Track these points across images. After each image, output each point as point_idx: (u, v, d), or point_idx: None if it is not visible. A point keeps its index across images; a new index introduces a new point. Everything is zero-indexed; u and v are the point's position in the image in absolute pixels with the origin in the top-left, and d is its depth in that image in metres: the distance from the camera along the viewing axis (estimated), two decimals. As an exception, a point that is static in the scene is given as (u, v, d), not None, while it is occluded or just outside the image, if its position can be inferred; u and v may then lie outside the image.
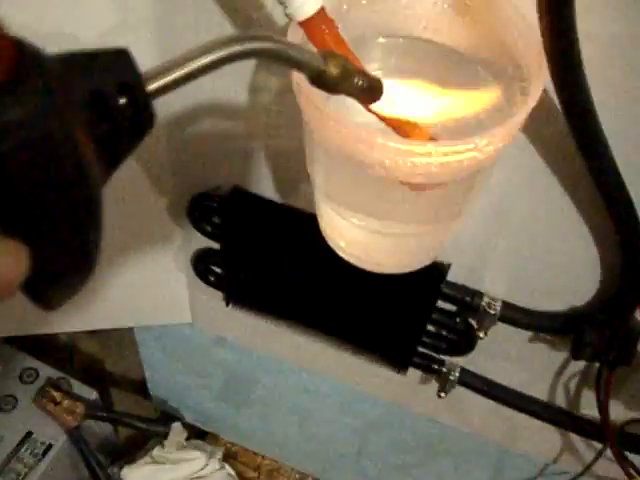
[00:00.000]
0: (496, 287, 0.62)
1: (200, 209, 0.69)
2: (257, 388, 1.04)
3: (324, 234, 0.51)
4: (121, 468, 1.08)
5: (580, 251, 0.54)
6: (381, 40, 0.46)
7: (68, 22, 0.52)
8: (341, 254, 0.51)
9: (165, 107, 0.52)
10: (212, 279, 0.78)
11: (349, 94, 0.32)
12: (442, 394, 0.72)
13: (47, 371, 1.11)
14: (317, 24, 0.38)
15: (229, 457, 1.22)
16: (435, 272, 0.61)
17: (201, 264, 0.78)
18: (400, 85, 0.38)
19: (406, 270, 0.51)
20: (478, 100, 0.42)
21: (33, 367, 1.11)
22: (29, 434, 1.04)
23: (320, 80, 0.30)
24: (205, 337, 0.98)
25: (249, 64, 0.54)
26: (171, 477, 1.07)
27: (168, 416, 1.21)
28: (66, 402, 1.03)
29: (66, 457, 1.06)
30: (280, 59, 0.28)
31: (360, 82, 0.32)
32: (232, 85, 0.56)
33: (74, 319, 0.93)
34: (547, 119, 0.45)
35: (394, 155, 0.35)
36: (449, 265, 0.61)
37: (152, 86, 0.24)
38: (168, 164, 0.67)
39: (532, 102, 0.36)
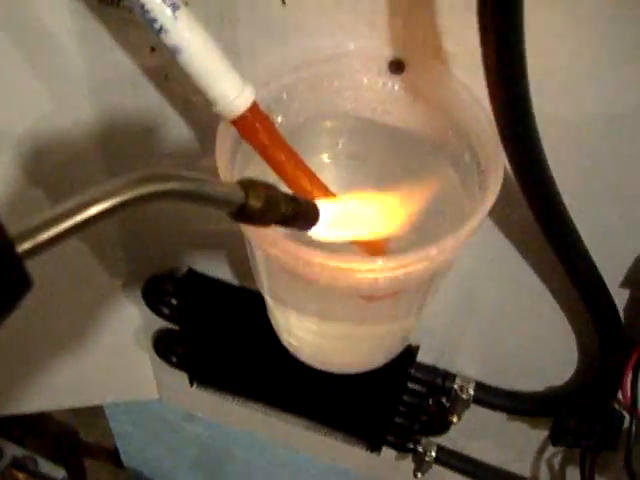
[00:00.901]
0: (469, 368, 0.58)
1: (155, 292, 0.65)
2: (231, 462, 1.00)
3: (275, 330, 0.48)
4: None
5: (554, 334, 0.51)
6: (328, 124, 0.43)
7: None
8: (293, 353, 0.47)
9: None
10: (174, 359, 0.74)
11: (279, 224, 0.29)
12: (418, 474, 0.68)
13: (12, 449, 1.06)
14: (250, 122, 0.35)
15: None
16: (403, 355, 0.57)
17: (162, 345, 0.74)
18: (346, 200, 0.35)
19: (363, 370, 0.47)
20: (434, 194, 0.38)
21: (-3, 446, 1.06)
22: (-7, 519, 0.99)
23: (242, 215, 0.26)
24: (175, 412, 0.94)
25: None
26: None
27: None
28: (31, 484, 0.98)
29: None
30: (192, 199, 0.24)
31: (289, 210, 0.28)
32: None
33: (41, 399, 0.88)
34: (510, 203, 0.42)
35: (336, 273, 0.32)
36: (417, 347, 0.58)
37: (25, 246, 0.20)
38: (120, 246, 0.64)
39: (489, 203, 0.33)
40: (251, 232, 0.33)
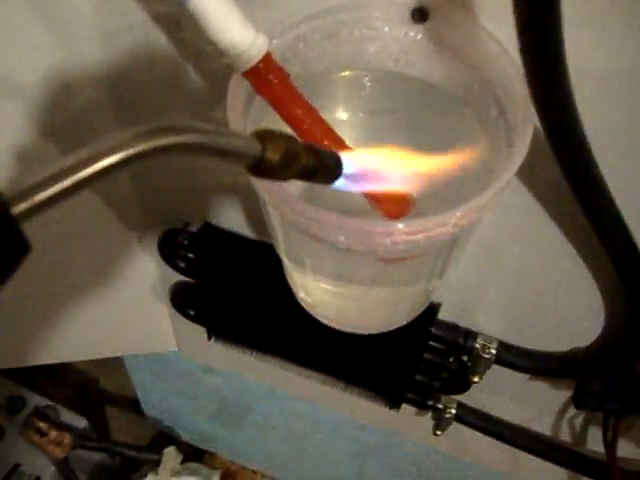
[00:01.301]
0: (492, 326, 0.57)
1: (171, 246, 0.64)
2: (250, 412, 1.00)
3: (292, 288, 0.47)
4: (114, 497, 1.04)
5: (580, 296, 0.49)
6: (347, 74, 0.41)
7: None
8: (312, 314, 0.46)
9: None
10: (192, 313, 0.73)
11: (300, 178, 0.27)
12: (438, 432, 0.67)
13: (34, 399, 1.07)
14: (263, 74, 0.33)
15: (228, 476, 1.18)
16: (425, 312, 0.55)
17: (179, 299, 0.73)
18: (371, 153, 0.32)
19: (382, 330, 0.46)
20: (462, 156, 0.36)
21: (20, 395, 1.07)
22: (17, 466, 1.01)
23: (259, 169, 0.24)
24: (193, 364, 0.94)
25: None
26: (166, 504, 1.04)
27: (164, 435, 1.18)
28: (53, 433, 0.99)
29: (55, 490, 1.02)
30: (206, 152, 0.22)
31: (310, 162, 0.26)
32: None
33: (61, 350, 0.89)
34: (539, 160, 0.40)
35: (353, 235, 0.30)
36: (439, 305, 0.56)
37: (21, 207, 0.19)
38: (134, 199, 0.63)
39: (515, 165, 0.31)
40: (264, 191, 0.32)
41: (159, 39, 0.46)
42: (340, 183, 0.29)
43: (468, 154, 0.34)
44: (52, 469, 1.01)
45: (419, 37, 0.38)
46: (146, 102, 0.52)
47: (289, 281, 0.46)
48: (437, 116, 0.40)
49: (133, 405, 1.21)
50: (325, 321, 0.46)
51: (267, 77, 0.33)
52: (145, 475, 1.06)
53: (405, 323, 0.47)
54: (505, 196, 0.44)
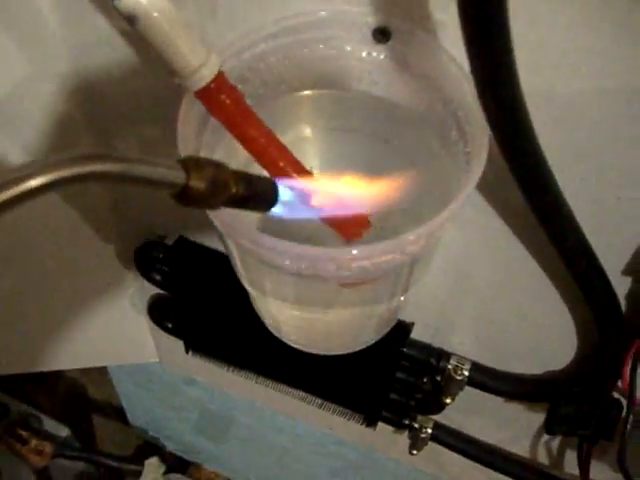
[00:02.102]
0: (464, 347, 0.56)
1: (147, 259, 0.63)
2: (233, 424, 0.99)
3: (258, 315, 0.46)
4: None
5: (552, 317, 0.49)
6: (308, 93, 0.40)
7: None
8: (279, 337, 0.45)
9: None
10: (169, 326, 0.73)
11: (229, 206, 0.26)
12: (414, 451, 0.66)
13: (18, 407, 1.06)
14: (215, 94, 0.32)
15: (211, 488, 1.17)
16: (397, 331, 0.55)
17: (156, 312, 0.73)
18: (314, 179, 0.32)
19: (351, 351, 0.45)
20: (409, 180, 0.36)
21: (3, 402, 1.06)
22: (-3, 474, 1.00)
23: (184, 197, 0.24)
24: (175, 375, 0.93)
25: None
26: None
27: (150, 445, 1.17)
28: (34, 441, 0.99)
29: (34, 499, 1.01)
30: (127, 180, 0.22)
31: (241, 191, 0.26)
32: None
33: (45, 359, 0.89)
34: (503, 182, 0.39)
35: (298, 261, 0.29)
36: (412, 324, 0.56)
37: None
38: (111, 212, 0.62)
39: (463, 194, 0.30)
40: (212, 216, 0.31)
41: (127, 54, 0.45)
42: (277, 210, 0.28)
43: (415, 178, 0.33)
44: (33, 478, 1.00)
45: (381, 57, 0.37)
46: (118, 116, 0.51)
47: (254, 306, 0.45)
48: (399, 135, 0.40)
49: (119, 415, 1.20)
50: (292, 344, 0.45)
51: (219, 97, 0.32)
52: (127, 486, 1.06)
53: (373, 342, 0.47)
54: (473, 217, 0.44)
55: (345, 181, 0.32)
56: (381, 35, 0.36)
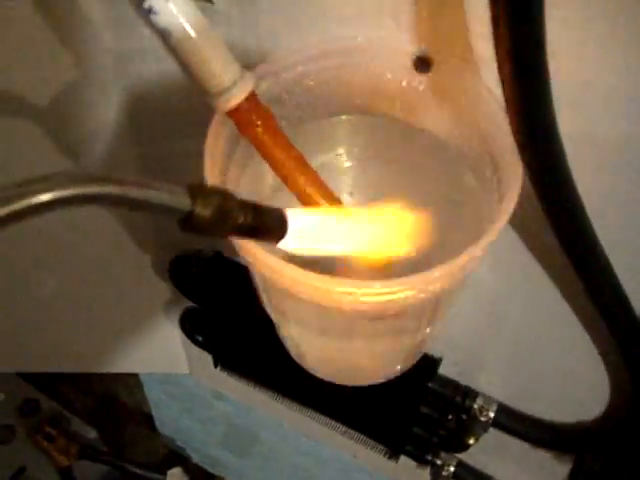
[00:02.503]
0: (492, 388, 0.54)
1: (181, 271, 0.64)
2: (257, 442, 0.98)
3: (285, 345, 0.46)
4: (115, 512, 1.04)
5: (584, 367, 0.47)
6: (344, 119, 0.40)
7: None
8: (305, 367, 0.45)
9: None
10: (200, 339, 0.72)
11: (236, 235, 0.26)
12: (435, 489, 0.65)
13: (49, 404, 1.08)
14: (246, 114, 0.32)
15: (234, 503, 1.16)
16: (424, 366, 0.54)
17: (188, 324, 0.72)
18: (331, 212, 0.31)
19: (375, 382, 0.45)
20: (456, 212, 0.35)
21: (35, 399, 1.08)
22: (22, 469, 1.01)
23: (189, 224, 0.23)
24: (204, 388, 0.93)
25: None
26: (166, 527, 1.02)
27: (176, 455, 1.17)
28: (61, 441, 1.00)
29: (55, 497, 1.02)
30: (129, 205, 0.21)
31: (248, 221, 0.25)
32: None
33: (77, 361, 0.90)
34: (537, 222, 0.38)
35: (314, 292, 0.29)
36: (440, 360, 0.54)
37: None
38: (149, 223, 0.63)
39: (497, 227, 0.29)
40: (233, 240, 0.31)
41: (172, 67, 0.45)
42: (285, 244, 0.28)
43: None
44: (56, 477, 1.01)
45: (421, 87, 0.36)
46: (160, 128, 0.52)
47: (278, 334, 0.45)
48: (434, 166, 0.39)
49: (148, 422, 1.20)
50: (320, 376, 0.44)
51: (250, 118, 0.32)
52: (150, 494, 1.06)
53: (396, 374, 0.46)
54: (508, 256, 0.42)
55: (374, 215, 0.31)
56: (422, 64, 0.36)
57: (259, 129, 0.32)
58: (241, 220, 0.25)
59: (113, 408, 1.23)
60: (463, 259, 0.28)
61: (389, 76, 0.37)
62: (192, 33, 0.29)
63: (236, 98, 0.31)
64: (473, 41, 0.34)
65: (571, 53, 0.32)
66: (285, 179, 0.34)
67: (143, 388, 1.08)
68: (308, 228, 0.28)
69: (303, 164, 0.34)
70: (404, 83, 0.37)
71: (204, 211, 0.23)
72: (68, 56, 0.47)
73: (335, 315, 0.35)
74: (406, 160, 0.40)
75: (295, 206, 0.33)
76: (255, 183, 0.38)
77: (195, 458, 1.17)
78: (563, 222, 0.34)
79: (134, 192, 0.21)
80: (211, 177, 0.31)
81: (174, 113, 0.50)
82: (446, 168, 0.38)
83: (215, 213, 0.23)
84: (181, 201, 0.22)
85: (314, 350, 0.43)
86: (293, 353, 0.45)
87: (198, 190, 0.23)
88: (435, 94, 0.36)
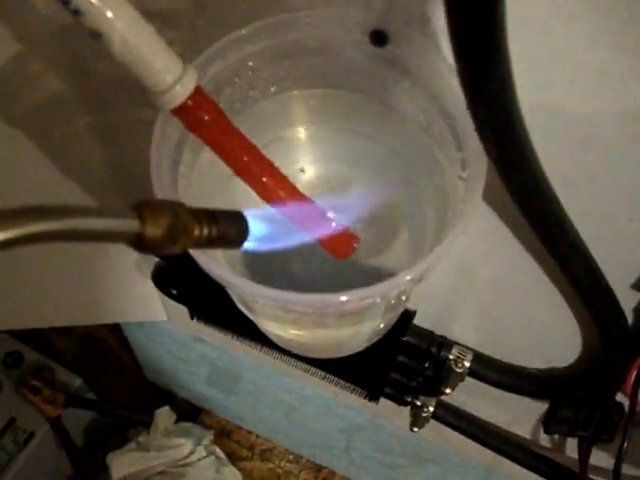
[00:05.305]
0: (467, 338, 0.55)
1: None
2: (241, 381, 1.00)
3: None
4: (106, 453, 1.05)
5: (555, 320, 0.47)
6: (300, 92, 0.38)
7: None
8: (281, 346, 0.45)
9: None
10: (173, 292, 0.72)
11: (198, 248, 0.24)
12: (415, 429, 0.66)
13: (32, 355, 1.08)
14: (192, 112, 0.30)
15: (223, 434, 1.19)
16: (400, 319, 0.54)
17: (160, 278, 0.72)
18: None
19: (349, 354, 0.44)
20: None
21: (17, 351, 1.08)
22: (12, 421, 1.02)
23: (141, 245, 0.22)
24: (184, 333, 0.93)
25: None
26: (156, 463, 1.04)
27: (162, 394, 1.18)
28: (47, 392, 1.00)
29: (48, 446, 1.04)
30: (71, 237, 0.20)
31: (206, 232, 0.24)
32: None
33: (58, 316, 0.90)
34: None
35: (275, 303, 0.28)
36: (414, 312, 0.54)
37: None
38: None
39: (461, 226, 0.28)
40: (191, 252, 0.29)
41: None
42: (251, 245, 0.26)
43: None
44: (46, 426, 1.02)
45: (378, 61, 0.34)
46: (111, 96, 0.49)
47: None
48: (396, 138, 0.38)
49: (133, 364, 1.21)
50: (296, 352, 0.44)
51: (197, 115, 0.30)
52: (138, 434, 1.07)
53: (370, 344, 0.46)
54: (476, 220, 0.42)
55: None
56: (378, 39, 0.33)
57: (208, 125, 0.30)
58: (197, 233, 0.23)
59: (96, 354, 1.23)
60: (433, 257, 0.27)
61: (344, 50, 0.35)
62: (125, 32, 0.27)
63: (180, 96, 0.29)
64: (429, 13, 0.32)
65: (539, 29, 0.30)
66: (240, 172, 0.32)
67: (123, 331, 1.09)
68: (268, 226, 0.27)
69: (257, 154, 0.32)
70: (360, 57, 0.35)
71: (155, 230, 0.21)
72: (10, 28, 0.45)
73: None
74: (369, 131, 0.38)
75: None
76: (210, 168, 0.36)
77: (181, 394, 1.19)
78: (524, 199, 0.33)
79: (78, 223, 0.20)
80: (160, 190, 0.29)
81: (124, 80, 0.48)
82: (409, 138, 0.37)
83: (167, 232, 0.22)
84: (130, 224, 0.21)
85: (293, 337, 0.42)
86: (270, 335, 0.45)
87: (146, 209, 0.21)
88: (393, 68, 0.34)
